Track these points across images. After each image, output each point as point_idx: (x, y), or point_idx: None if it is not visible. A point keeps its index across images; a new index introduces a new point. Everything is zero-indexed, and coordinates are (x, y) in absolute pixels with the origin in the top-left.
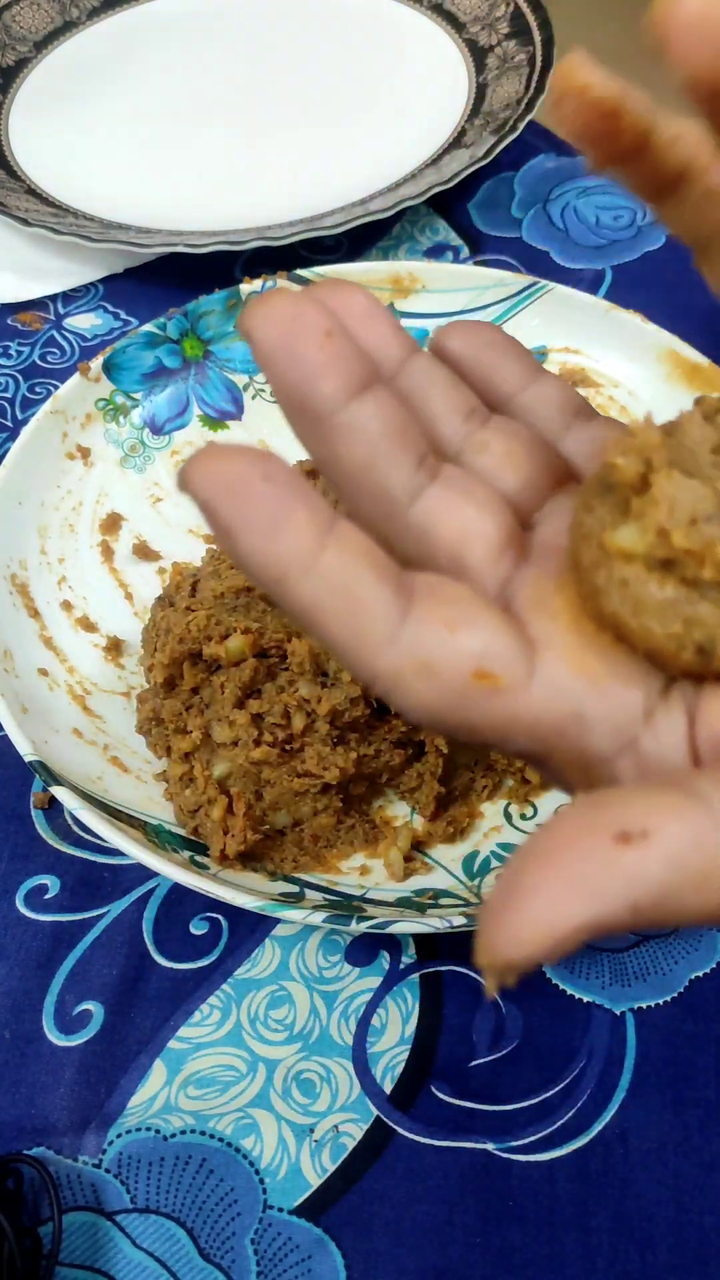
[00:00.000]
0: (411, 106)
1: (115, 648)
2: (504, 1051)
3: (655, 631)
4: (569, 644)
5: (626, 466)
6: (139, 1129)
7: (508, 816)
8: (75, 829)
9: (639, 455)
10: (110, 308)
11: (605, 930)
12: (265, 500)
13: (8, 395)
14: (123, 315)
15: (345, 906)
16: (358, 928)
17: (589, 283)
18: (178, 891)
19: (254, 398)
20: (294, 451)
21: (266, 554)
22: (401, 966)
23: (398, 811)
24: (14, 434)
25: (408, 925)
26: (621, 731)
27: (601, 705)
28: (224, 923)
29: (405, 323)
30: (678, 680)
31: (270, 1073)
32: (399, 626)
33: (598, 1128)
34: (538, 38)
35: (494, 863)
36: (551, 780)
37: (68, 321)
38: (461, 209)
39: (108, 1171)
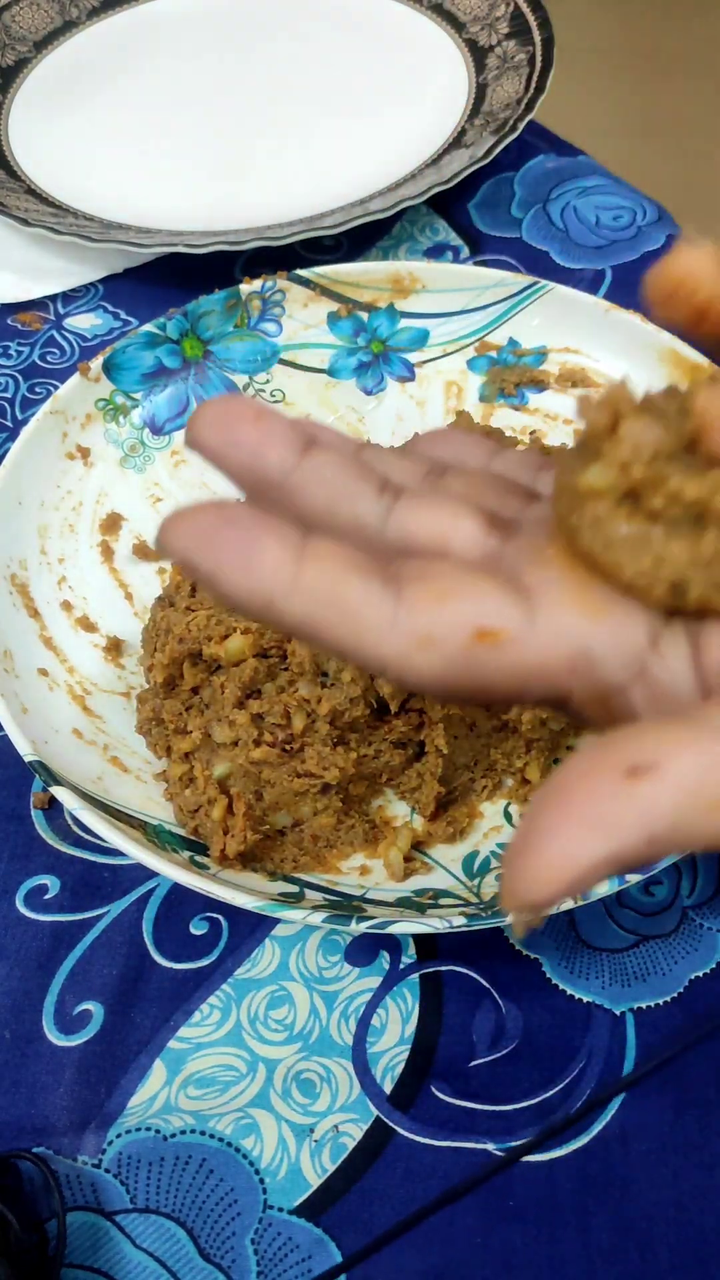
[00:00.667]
0: (411, 106)
1: (115, 648)
2: (504, 1051)
3: (625, 567)
4: (565, 586)
5: (597, 418)
6: (139, 1129)
7: (508, 816)
8: (75, 829)
9: (610, 407)
10: (110, 308)
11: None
12: (234, 541)
13: (8, 395)
14: (123, 315)
15: (345, 906)
16: (358, 928)
17: (589, 283)
18: (178, 891)
19: (253, 398)
20: None
21: (247, 589)
22: (401, 966)
23: (398, 811)
24: (14, 434)
25: (408, 925)
26: (631, 661)
27: (607, 637)
28: (224, 923)
29: (405, 323)
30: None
31: (270, 1073)
32: (393, 613)
33: (598, 1128)
34: (538, 38)
35: (494, 863)
36: (576, 722)
37: (68, 321)
38: (461, 209)
39: (108, 1171)
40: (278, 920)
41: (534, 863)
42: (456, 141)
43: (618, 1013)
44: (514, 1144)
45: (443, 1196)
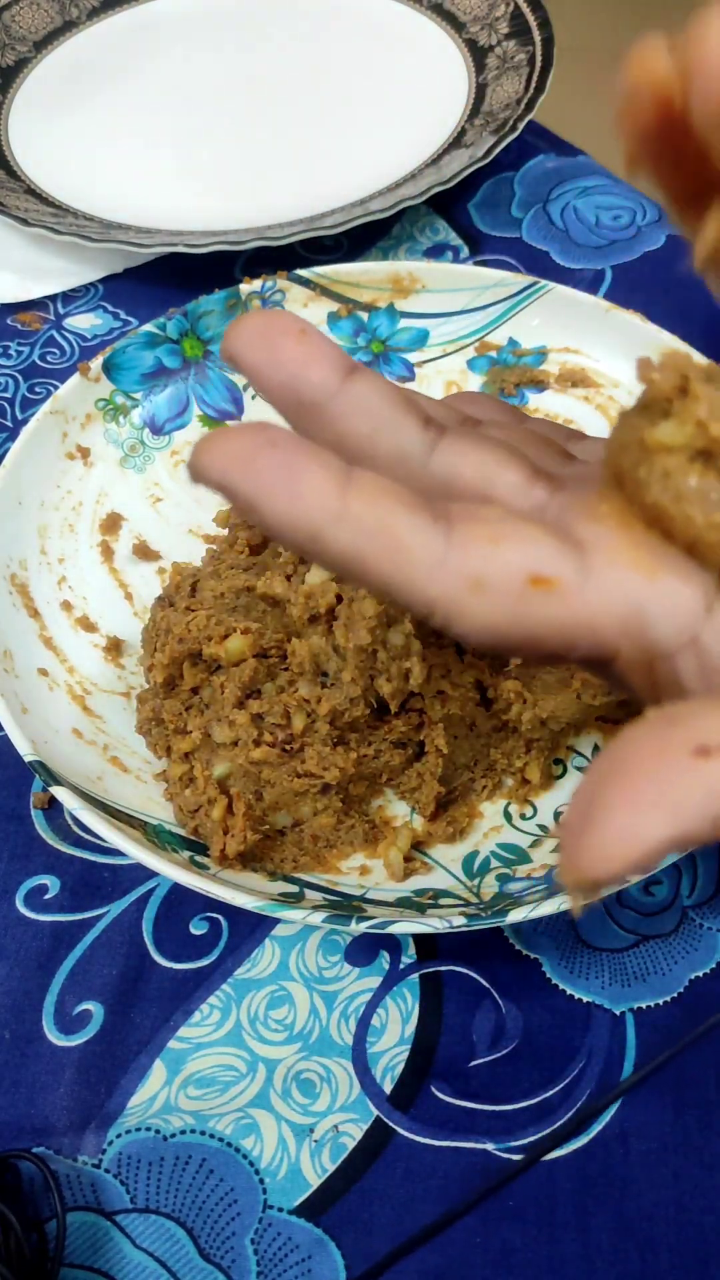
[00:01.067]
0: (411, 106)
1: (115, 648)
2: (504, 1051)
3: (696, 520)
4: (620, 543)
5: (663, 380)
6: (139, 1129)
7: (508, 816)
8: (75, 829)
9: (675, 370)
10: (110, 308)
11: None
12: (277, 465)
13: (8, 395)
14: (123, 315)
15: (345, 906)
16: (358, 928)
17: (589, 283)
18: (178, 891)
19: (254, 398)
20: None
21: (292, 515)
22: (401, 966)
23: (398, 811)
24: (14, 434)
25: (408, 925)
26: (683, 626)
27: (660, 599)
28: (224, 923)
29: (405, 323)
30: None
31: (270, 1073)
32: (443, 551)
33: (597, 1128)
34: (538, 38)
35: (494, 863)
36: (615, 686)
37: (68, 321)
38: (461, 209)
39: (107, 1171)
40: (278, 920)
41: (596, 839)
42: (456, 141)
43: (618, 1013)
44: (517, 1142)
45: (454, 1209)
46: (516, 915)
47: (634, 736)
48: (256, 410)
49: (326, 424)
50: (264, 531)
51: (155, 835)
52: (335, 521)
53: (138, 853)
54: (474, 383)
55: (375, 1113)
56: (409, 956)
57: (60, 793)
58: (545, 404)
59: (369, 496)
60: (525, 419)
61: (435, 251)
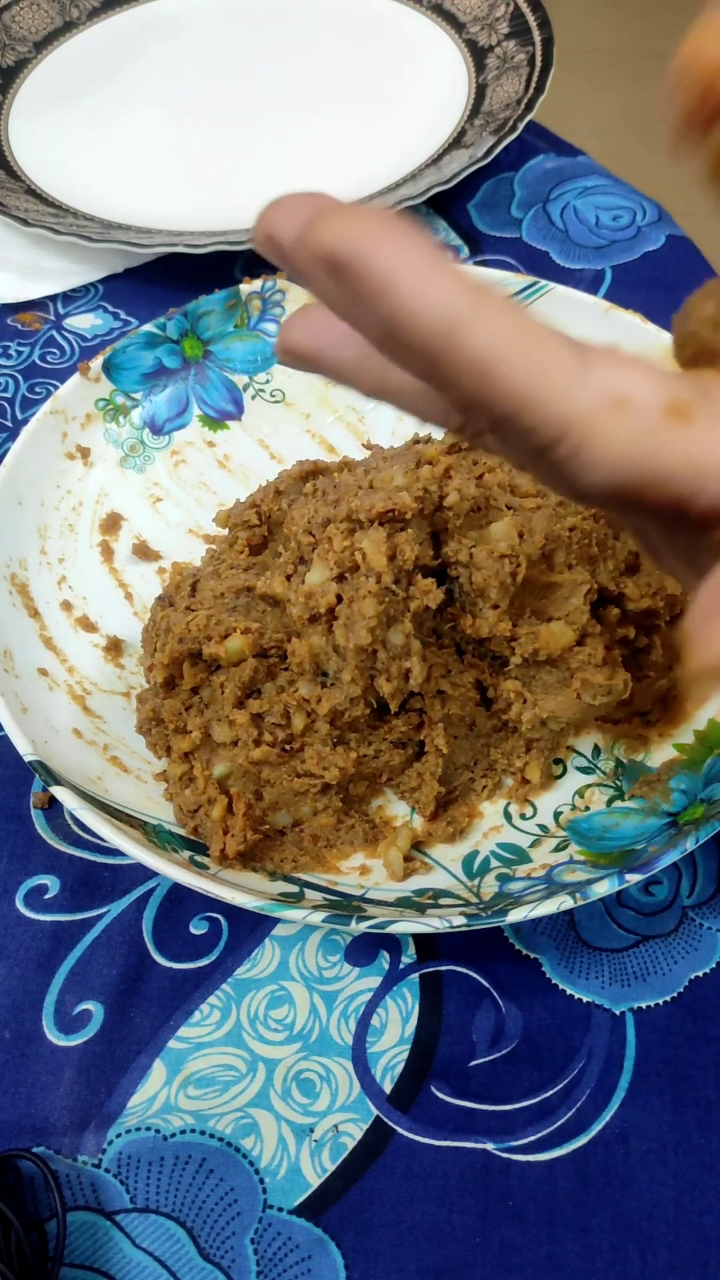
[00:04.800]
0: (411, 106)
1: (115, 648)
2: (504, 1051)
3: None
4: None
5: None
6: (139, 1129)
7: (508, 816)
8: (75, 829)
9: None
10: (110, 308)
11: None
12: (417, 248)
13: (8, 395)
14: (122, 315)
15: (345, 906)
16: (357, 928)
17: (589, 283)
18: (178, 891)
19: (253, 398)
20: (292, 450)
21: (430, 304)
22: (401, 966)
23: (398, 811)
24: (14, 434)
25: (408, 925)
26: None
27: None
28: (224, 923)
29: None
30: None
31: (270, 1073)
32: (582, 370)
33: (597, 1128)
34: (538, 38)
35: (494, 862)
36: (703, 554)
37: (68, 321)
38: (461, 209)
39: (107, 1171)
40: (278, 920)
41: None
42: (456, 141)
43: (617, 1012)
44: (517, 1142)
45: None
46: (516, 915)
47: None
48: (256, 411)
49: None
50: (382, 325)
51: (155, 835)
52: (472, 319)
53: (138, 853)
54: None
55: (375, 1112)
56: (409, 956)
57: (60, 793)
58: None
59: (505, 305)
60: None
61: None
